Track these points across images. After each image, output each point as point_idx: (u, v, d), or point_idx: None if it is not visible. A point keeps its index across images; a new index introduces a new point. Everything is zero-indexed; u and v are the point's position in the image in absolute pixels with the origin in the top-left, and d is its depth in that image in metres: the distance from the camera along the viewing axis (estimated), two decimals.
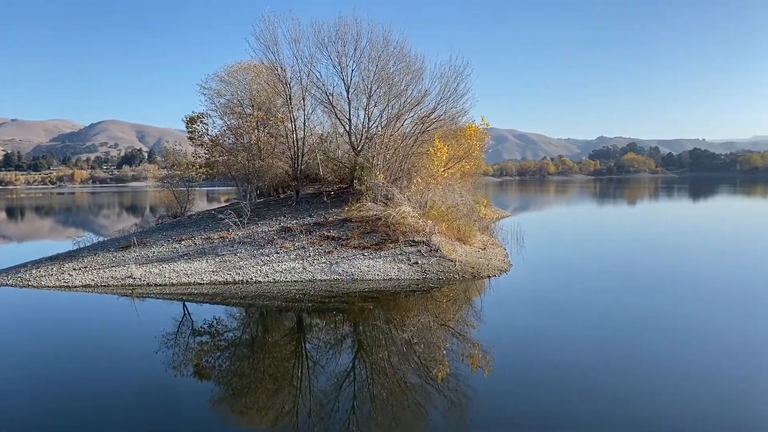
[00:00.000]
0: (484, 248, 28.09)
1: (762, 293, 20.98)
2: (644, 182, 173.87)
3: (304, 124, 32.98)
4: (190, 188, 39.10)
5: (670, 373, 12.91)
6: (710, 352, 14.37)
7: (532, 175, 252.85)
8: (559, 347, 15.01)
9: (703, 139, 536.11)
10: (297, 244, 25.60)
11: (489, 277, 23.40)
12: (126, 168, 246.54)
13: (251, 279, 22.53)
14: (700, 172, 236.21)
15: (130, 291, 21.67)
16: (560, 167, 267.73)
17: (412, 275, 22.90)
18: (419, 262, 23.88)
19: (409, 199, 30.37)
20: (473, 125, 36.77)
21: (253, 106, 33.77)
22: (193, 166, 37.73)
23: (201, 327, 17.68)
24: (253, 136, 34.03)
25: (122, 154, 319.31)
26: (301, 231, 26.77)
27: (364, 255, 24.46)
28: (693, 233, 41.21)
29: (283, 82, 31.40)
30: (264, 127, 34.02)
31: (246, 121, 33.74)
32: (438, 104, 31.90)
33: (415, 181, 31.55)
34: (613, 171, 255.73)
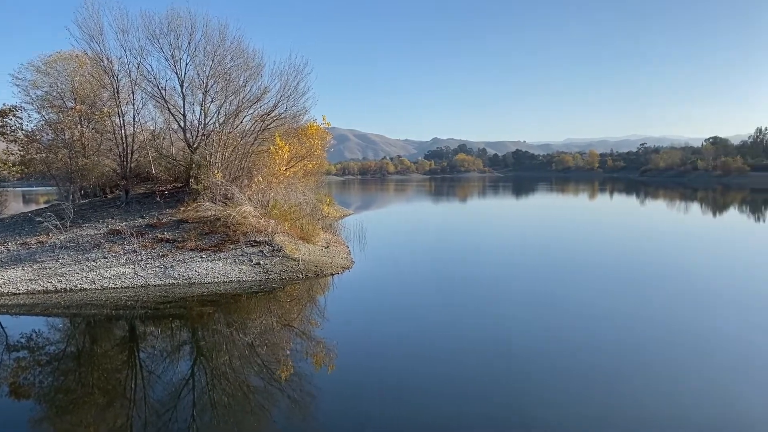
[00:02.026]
0: (328, 246, 28.32)
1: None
2: (474, 181, 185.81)
3: (134, 119, 30.88)
4: (1, 188, 35.01)
5: (505, 361, 13.94)
6: (551, 336, 15.75)
7: (373, 174, 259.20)
8: (401, 340, 15.59)
9: (524, 141, 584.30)
10: (127, 247, 23.98)
11: (332, 275, 23.65)
12: None
13: (76, 286, 20.72)
14: (522, 171, 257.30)
15: None
16: (399, 167, 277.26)
17: (254, 276, 22.47)
18: (261, 262, 23.49)
19: (250, 198, 29.73)
20: (315, 124, 36.85)
21: (75, 99, 30.98)
22: (6, 164, 33.81)
23: (17, 341, 15.94)
24: (76, 132, 31.23)
25: None
26: (132, 233, 25.10)
27: (202, 257, 23.54)
28: (516, 226, 44.85)
29: (110, 74, 29.18)
30: (88, 123, 31.35)
31: (67, 116, 30.85)
32: (278, 102, 31.55)
33: (256, 180, 30.94)
34: (446, 170, 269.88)
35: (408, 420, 10.73)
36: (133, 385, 12.75)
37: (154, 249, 23.95)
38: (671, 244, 34.01)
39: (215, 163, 29.03)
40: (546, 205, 74.62)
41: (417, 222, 52.82)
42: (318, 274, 23.39)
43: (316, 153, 36.77)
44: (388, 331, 16.45)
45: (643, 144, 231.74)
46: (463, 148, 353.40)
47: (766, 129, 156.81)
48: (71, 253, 23.39)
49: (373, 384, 12.46)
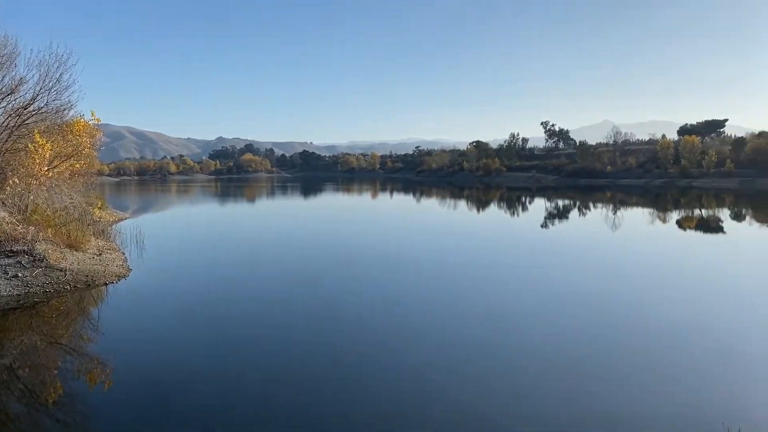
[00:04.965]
0: (100, 254, 26.13)
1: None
2: (262, 181, 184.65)
3: None
4: None
5: (293, 370, 14.18)
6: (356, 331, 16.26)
7: (152, 174, 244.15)
8: (183, 347, 15.05)
9: (311, 143, 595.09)
10: None
11: (106, 284, 21.90)
12: None
13: None
14: (310, 171, 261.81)
15: None
16: (182, 167, 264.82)
17: (10, 291, 19.89)
18: (20, 274, 20.88)
19: (4, 203, 26.26)
20: (82, 120, 33.65)
21: None
22: None
23: None
24: None
25: None
26: None
27: None
28: (301, 225, 45.71)
29: None
30: None
31: None
32: (38, 95, 28.18)
33: (11, 182, 27.35)
34: (233, 171, 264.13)
35: (197, 426, 10.46)
36: None
37: None
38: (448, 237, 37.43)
39: None
40: (329, 206, 76.96)
41: (201, 225, 51.12)
42: (89, 285, 21.49)
43: (84, 152, 33.57)
44: (169, 340, 15.76)
45: (418, 147, 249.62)
46: (249, 148, 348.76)
47: (518, 134, 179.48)
48: None
49: (155, 397, 11.87)
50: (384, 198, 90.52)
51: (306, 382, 12.47)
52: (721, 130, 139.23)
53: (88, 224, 31.08)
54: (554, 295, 20.38)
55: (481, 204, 73.19)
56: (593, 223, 48.33)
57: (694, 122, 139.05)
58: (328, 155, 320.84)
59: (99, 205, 43.87)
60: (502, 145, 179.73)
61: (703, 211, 57.46)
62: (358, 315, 18.13)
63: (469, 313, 18.05)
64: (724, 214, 54.21)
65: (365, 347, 14.80)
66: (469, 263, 27.42)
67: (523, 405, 11.24)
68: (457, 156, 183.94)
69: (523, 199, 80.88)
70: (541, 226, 45.20)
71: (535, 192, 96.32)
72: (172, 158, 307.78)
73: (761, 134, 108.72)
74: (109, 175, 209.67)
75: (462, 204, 74.04)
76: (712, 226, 43.87)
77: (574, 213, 58.70)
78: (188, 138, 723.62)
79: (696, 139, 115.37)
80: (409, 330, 16.37)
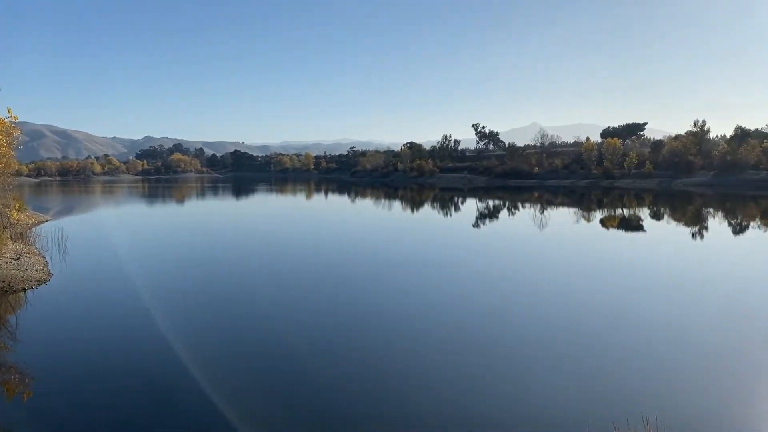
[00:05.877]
0: (18, 258, 24.86)
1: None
2: (192, 182, 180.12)
3: None
4: None
5: (218, 360, 13.92)
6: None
7: (75, 175, 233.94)
8: (107, 355, 14.52)
9: (243, 142, 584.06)
10: None
11: (25, 290, 20.83)
12: None
13: None
14: (242, 171, 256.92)
15: None
16: (107, 167, 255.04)
17: None
18: None
19: None
20: None
21: None
22: None
23: None
24: None
25: None
26: None
27: None
28: (228, 226, 44.94)
29: None
30: None
31: None
32: None
33: None
34: (161, 171, 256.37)
35: None
36: None
37: None
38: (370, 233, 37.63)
39: None
40: (260, 205, 75.87)
41: (126, 227, 49.41)
42: (6, 291, 20.39)
43: (0, 151, 32.04)
44: (93, 346, 15.15)
45: (352, 147, 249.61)
46: (178, 147, 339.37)
47: (450, 136, 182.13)
48: None
49: (77, 407, 11.42)
50: (319, 198, 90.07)
51: (230, 387, 12.31)
52: (642, 133, 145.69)
53: (5, 227, 29.51)
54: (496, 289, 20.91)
55: (416, 204, 73.98)
56: (522, 222, 49.76)
57: (616, 125, 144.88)
58: (260, 155, 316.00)
59: (17, 207, 41.72)
60: (435, 146, 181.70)
61: (624, 210, 60.09)
62: (291, 314, 18.01)
63: (403, 300, 18.25)
64: (644, 213, 56.88)
65: (302, 346, 14.72)
66: (402, 258, 27.74)
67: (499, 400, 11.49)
68: (391, 157, 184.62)
69: (456, 199, 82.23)
70: (473, 226, 46.22)
71: (467, 193, 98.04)
72: (97, 158, 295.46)
73: (677, 137, 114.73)
74: (28, 176, 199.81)
75: (397, 204, 74.62)
76: (633, 224, 45.98)
77: (504, 213, 60.23)
78: (114, 137, 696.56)
79: (618, 141, 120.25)
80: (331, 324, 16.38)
